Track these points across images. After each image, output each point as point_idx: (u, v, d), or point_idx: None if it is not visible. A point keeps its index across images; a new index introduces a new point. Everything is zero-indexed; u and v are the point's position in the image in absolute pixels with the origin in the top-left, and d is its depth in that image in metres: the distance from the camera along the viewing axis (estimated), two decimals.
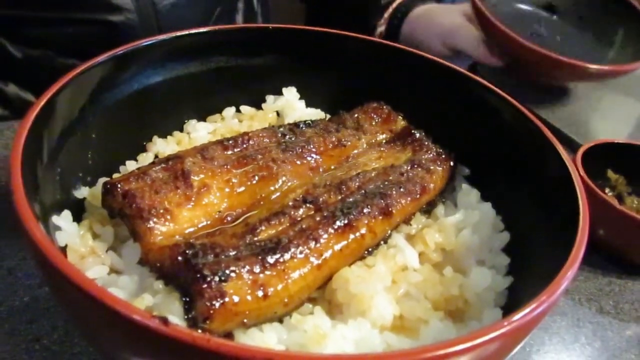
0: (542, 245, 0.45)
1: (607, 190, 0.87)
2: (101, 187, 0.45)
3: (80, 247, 0.42)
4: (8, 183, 0.35)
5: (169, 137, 0.59)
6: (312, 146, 0.52)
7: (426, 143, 0.55)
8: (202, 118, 0.62)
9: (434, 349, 0.28)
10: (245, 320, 0.36)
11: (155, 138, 0.58)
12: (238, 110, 0.63)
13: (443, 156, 0.55)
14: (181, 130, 0.60)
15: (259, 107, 0.63)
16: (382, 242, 0.45)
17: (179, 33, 0.55)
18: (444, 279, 0.44)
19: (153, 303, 0.37)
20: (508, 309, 0.43)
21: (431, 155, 0.54)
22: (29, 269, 0.63)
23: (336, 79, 0.63)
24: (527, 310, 0.31)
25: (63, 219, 0.43)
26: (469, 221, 0.48)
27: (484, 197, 0.51)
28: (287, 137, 0.53)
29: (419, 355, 0.28)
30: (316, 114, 0.63)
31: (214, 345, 0.26)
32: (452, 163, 0.55)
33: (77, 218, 0.46)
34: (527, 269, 0.45)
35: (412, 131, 0.56)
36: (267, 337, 0.37)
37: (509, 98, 0.54)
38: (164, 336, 0.27)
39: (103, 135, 0.51)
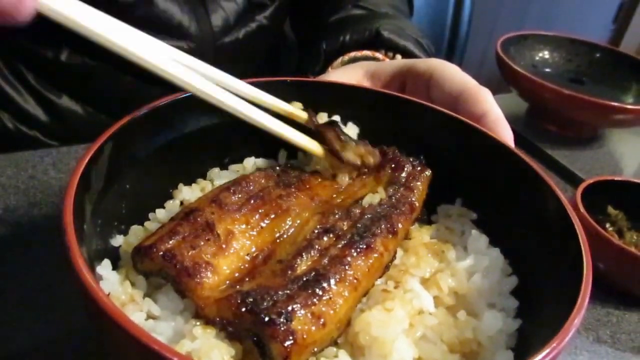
0: (548, 288, 0.48)
1: (607, 225, 0.90)
2: (131, 253, 0.47)
3: (121, 294, 0.45)
4: (63, 241, 0.38)
5: (193, 184, 0.62)
6: (305, 182, 0.57)
7: (400, 159, 0.60)
8: (224, 166, 0.65)
9: None
10: (315, 349, 0.41)
11: (181, 185, 0.61)
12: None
13: (419, 168, 0.60)
14: (204, 177, 0.64)
15: (275, 158, 0.67)
16: (400, 290, 0.49)
17: None
18: (458, 322, 0.47)
19: (192, 348, 0.40)
20: (518, 350, 0.46)
21: (409, 170, 0.59)
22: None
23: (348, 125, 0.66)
24: (540, 356, 0.34)
25: (104, 268, 0.46)
26: (479, 266, 0.51)
27: (492, 241, 0.55)
28: (282, 176, 0.57)
29: None
30: None
31: None
32: (427, 173, 0.60)
33: (114, 265, 0.50)
34: (535, 311, 0.48)
35: (385, 151, 0.61)
36: None
37: (511, 148, 0.58)
38: None
39: (135, 186, 0.55)
